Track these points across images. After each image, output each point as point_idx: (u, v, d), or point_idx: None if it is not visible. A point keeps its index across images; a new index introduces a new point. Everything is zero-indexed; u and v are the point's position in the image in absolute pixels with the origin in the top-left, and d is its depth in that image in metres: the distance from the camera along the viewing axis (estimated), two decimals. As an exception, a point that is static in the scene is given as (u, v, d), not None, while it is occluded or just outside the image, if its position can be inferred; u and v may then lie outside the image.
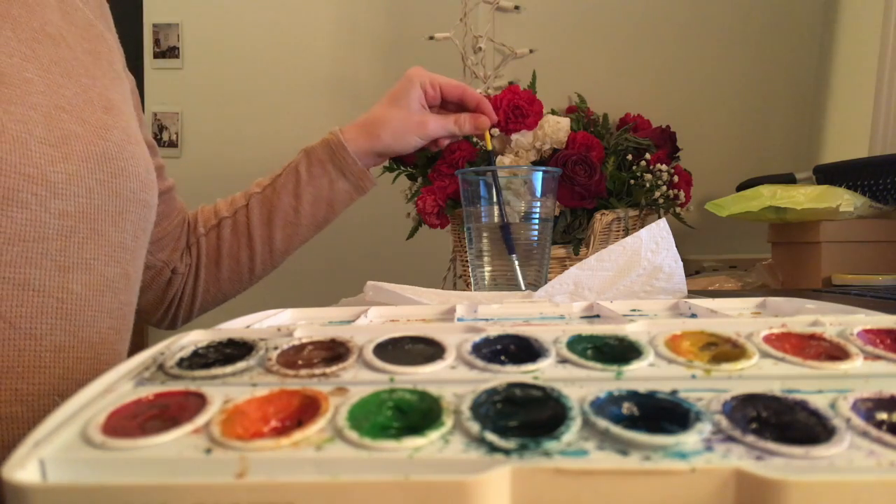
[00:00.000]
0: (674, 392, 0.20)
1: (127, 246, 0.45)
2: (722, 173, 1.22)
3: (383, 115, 0.65)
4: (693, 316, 0.34)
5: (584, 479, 0.16)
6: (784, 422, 0.18)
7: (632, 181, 0.82)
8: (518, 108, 0.80)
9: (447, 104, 0.68)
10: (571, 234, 0.81)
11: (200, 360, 0.24)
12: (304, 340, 0.26)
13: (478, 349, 0.25)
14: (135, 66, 0.55)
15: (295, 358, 0.24)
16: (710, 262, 1.10)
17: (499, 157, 0.81)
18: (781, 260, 0.90)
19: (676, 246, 0.49)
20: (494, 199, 0.61)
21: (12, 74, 0.38)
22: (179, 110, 1.74)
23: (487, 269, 0.63)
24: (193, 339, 0.27)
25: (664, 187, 0.81)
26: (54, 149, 0.39)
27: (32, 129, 0.38)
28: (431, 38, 1.28)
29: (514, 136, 0.81)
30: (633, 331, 0.26)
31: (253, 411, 0.20)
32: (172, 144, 1.75)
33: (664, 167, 0.81)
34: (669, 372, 0.22)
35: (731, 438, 0.17)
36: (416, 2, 1.55)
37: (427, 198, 0.84)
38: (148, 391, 0.21)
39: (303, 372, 0.22)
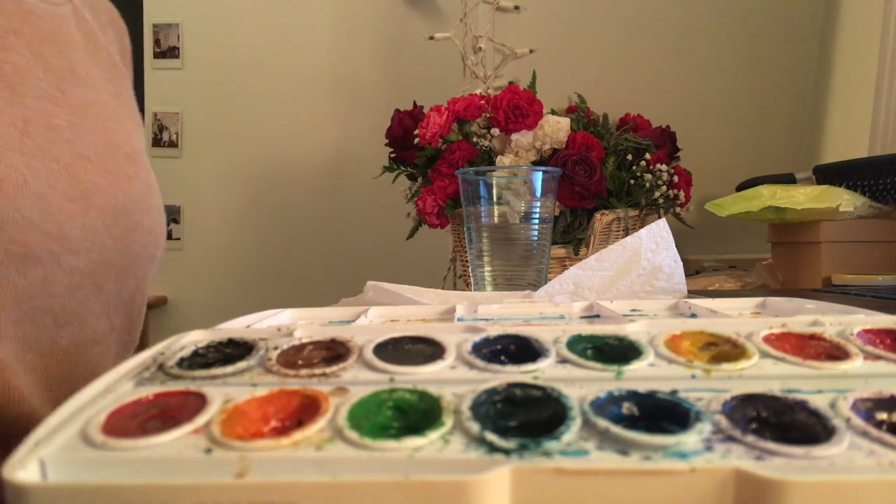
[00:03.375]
0: (674, 392, 0.20)
1: (123, 300, 0.43)
2: (722, 173, 1.22)
3: None
4: (693, 316, 0.34)
5: (584, 479, 0.16)
6: (784, 422, 0.18)
7: (632, 181, 0.82)
8: (518, 108, 0.80)
9: None
10: (571, 234, 0.81)
11: (200, 359, 0.24)
12: (304, 340, 0.26)
13: (478, 349, 0.25)
14: (135, 66, 0.54)
15: (295, 358, 0.24)
16: (710, 262, 1.10)
17: (499, 157, 0.81)
18: (781, 260, 0.90)
19: (676, 246, 0.49)
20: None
21: (39, 121, 0.36)
22: (179, 110, 1.74)
23: (487, 269, 0.63)
24: (193, 338, 0.27)
25: (664, 187, 0.81)
26: (74, 203, 0.37)
27: (55, 182, 0.36)
28: (431, 38, 1.28)
29: (514, 136, 0.82)
30: (633, 331, 0.26)
31: (253, 411, 0.20)
32: (172, 144, 1.75)
33: (664, 167, 0.81)
34: (669, 372, 0.22)
35: (731, 438, 0.17)
36: (417, 2, 1.55)
37: (427, 198, 0.84)
38: (148, 391, 0.21)
39: (303, 372, 0.22)
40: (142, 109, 1.77)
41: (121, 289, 0.43)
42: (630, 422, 0.19)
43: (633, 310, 0.36)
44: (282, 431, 0.19)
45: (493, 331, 0.26)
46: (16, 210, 0.33)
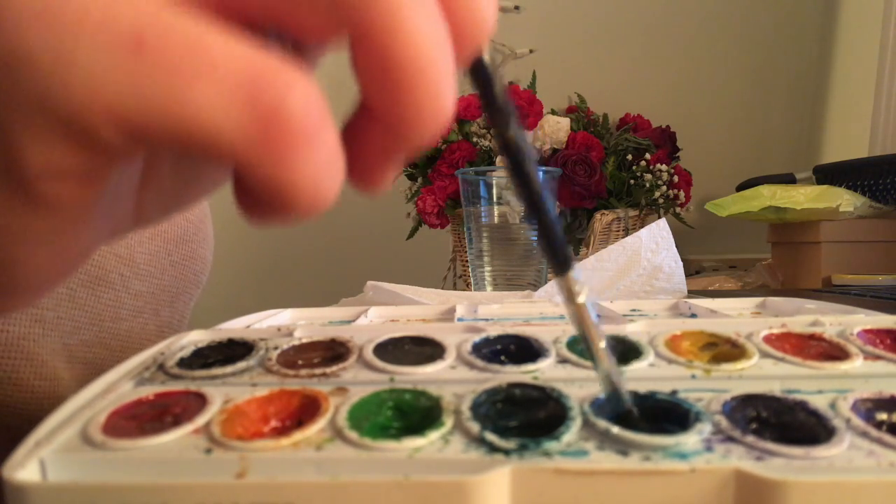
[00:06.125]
0: (674, 392, 0.20)
1: (173, 326, 0.45)
2: (722, 173, 1.22)
3: None
4: (693, 316, 0.34)
5: (584, 479, 0.16)
6: (784, 422, 0.18)
7: (632, 181, 0.82)
8: (518, 109, 0.80)
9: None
10: (571, 234, 0.81)
11: (201, 359, 0.24)
12: (304, 340, 0.26)
13: (478, 349, 0.25)
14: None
15: (295, 358, 0.24)
16: (710, 262, 1.10)
17: (499, 157, 0.81)
18: (781, 260, 0.90)
19: (676, 246, 0.49)
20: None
21: None
22: (179, 110, 1.74)
23: (487, 269, 0.63)
24: (193, 338, 0.27)
25: (664, 187, 0.81)
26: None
27: None
28: (431, 38, 1.28)
29: (514, 136, 0.81)
30: (633, 331, 0.26)
31: (253, 411, 0.20)
32: (172, 144, 1.74)
33: (664, 167, 0.81)
34: (669, 372, 0.22)
35: (730, 439, 0.17)
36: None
37: (427, 198, 0.84)
38: (148, 391, 0.21)
39: (303, 372, 0.22)
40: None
41: (173, 314, 0.44)
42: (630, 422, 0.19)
43: (633, 310, 0.36)
44: (282, 431, 0.19)
45: (493, 331, 0.26)
46: None
